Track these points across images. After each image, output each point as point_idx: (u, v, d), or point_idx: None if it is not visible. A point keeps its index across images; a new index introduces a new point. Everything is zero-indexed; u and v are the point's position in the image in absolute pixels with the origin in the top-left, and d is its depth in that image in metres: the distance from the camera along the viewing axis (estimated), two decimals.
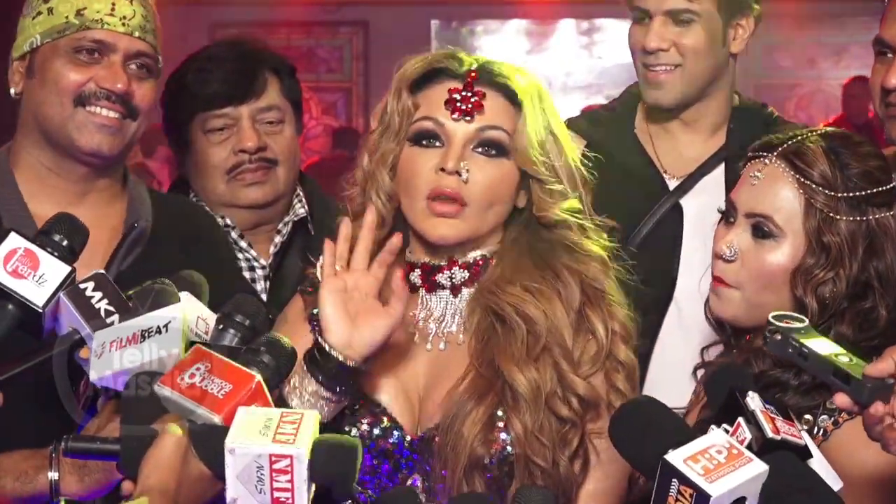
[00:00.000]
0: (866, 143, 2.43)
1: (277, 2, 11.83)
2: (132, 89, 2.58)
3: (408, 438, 2.33)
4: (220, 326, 1.96)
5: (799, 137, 2.39)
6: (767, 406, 1.91)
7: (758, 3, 3.15)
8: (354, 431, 2.32)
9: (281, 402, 2.14)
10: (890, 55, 2.73)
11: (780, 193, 2.35)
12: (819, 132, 2.41)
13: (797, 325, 1.99)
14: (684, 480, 1.72)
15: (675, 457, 1.74)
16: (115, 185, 2.68)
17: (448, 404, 2.31)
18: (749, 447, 1.82)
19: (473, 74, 2.37)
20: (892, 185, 2.37)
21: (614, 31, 10.98)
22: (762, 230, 2.36)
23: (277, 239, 3.15)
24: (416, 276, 2.42)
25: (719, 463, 1.74)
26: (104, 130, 2.57)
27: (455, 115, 2.35)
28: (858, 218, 2.33)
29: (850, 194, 2.32)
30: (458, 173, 2.32)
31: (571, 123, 3.28)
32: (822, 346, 1.95)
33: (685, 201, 3.14)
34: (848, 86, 9.92)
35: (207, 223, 2.94)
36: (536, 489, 1.86)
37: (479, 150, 2.36)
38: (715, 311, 2.45)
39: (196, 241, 2.76)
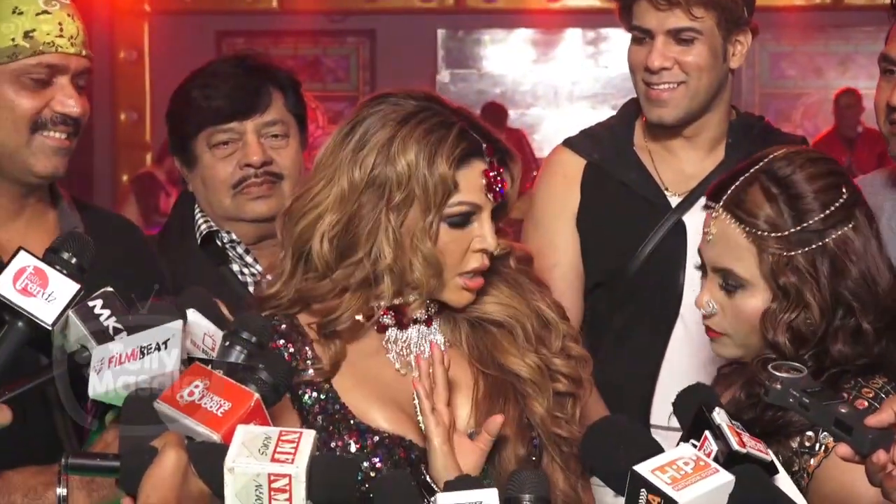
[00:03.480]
0: (818, 162, 2.39)
1: (284, 11, 11.86)
2: (81, 107, 2.55)
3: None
4: (227, 343, 1.97)
5: (741, 180, 2.37)
6: (734, 422, 1.96)
7: (751, 16, 3.16)
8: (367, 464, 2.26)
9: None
10: None
11: (732, 246, 2.35)
12: (764, 163, 2.38)
13: (796, 374, 2.01)
14: (652, 490, 1.77)
15: (644, 468, 1.79)
16: (45, 196, 2.67)
17: (477, 413, 2.36)
18: (716, 459, 1.87)
19: (490, 150, 2.35)
20: (843, 199, 2.34)
21: (620, 41, 10.89)
22: (728, 283, 2.38)
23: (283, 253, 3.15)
24: (388, 318, 2.38)
25: (686, 473, 1.79)
26: (59, 153, 2.54)
27: (494, 199, 2.35)
28: (815, 245, 2.31)
29: (800, 227, 2.32)
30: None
31: (570, 142, 3.30)
32: (821, 394, 1.99)
33: (688, 218, 3.14)
34: (839, 97, 9.89)
35: (139, 236, 2.95)
36: (529, 472, 1.86)
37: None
38: (719, 355, 2.48)
39: (130, 249, 2.76)
